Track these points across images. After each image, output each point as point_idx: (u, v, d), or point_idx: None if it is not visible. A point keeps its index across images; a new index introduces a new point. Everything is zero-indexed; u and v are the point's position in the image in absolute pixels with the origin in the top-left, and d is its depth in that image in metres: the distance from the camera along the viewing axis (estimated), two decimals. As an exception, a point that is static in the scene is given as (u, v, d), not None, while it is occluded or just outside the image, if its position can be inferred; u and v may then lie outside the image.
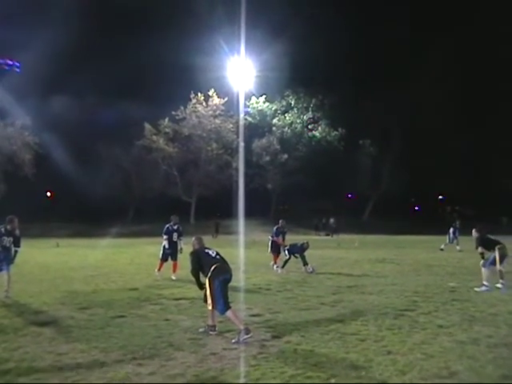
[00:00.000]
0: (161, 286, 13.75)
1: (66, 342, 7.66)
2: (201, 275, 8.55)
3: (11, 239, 11.78)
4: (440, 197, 76.48)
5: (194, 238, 9.02)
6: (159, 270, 15.63)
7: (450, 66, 58.06)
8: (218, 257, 8.56)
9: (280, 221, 18.68)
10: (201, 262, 8.53)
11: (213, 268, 8.22)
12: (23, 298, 11.53)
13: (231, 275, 8.45)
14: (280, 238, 17.96)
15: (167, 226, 16.05)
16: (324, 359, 6.70)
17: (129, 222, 57.54)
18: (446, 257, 23.22)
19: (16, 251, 11.86)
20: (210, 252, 8.69)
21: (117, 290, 13.06)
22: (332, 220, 52.01)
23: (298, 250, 17.47)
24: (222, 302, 8.05)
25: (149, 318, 9.43)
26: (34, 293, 12.35)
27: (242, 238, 32.11)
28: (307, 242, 17.93)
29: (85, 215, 53.67)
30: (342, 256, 23.98)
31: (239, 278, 13.94)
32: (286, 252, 17.59)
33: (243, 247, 28.03)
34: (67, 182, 52.22)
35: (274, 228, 18.46)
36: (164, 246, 15.72)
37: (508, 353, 7.10)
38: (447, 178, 60.51)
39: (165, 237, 15.81)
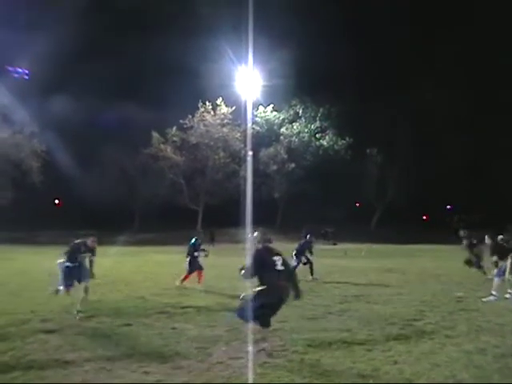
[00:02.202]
0: (167, 294, 13.74)
1: (73, 350, 7.67)
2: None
3: (90, 255, 11.61)
4: (448, 206, 76.20)
5: (257, 233, 8.33)
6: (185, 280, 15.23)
7: (456, 74, 58.09)
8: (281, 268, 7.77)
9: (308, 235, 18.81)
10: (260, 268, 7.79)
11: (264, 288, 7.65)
12: (31, 306, 11.54)
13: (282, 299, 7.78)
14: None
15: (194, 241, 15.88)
16: (331, 368, 6.69)
17: (135, 230, 57.61)
18: (453, 266, 23.10)
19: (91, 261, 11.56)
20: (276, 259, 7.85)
21: (123, 298, 13.07)
22: (329, 230, 52.08)
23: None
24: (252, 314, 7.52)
25: (155, 327, 9.43)
26: (41, 301, 12.37)
27: (248, 246, 31.96)
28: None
29: (91, 223, 53.69)
30: (348, 265, 23.93)
31: (245, 287, 13.92)
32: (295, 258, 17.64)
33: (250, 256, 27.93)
34: (73, 190, 52.40)
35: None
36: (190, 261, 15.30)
37: (515, 363, 7.08)
38: (454, 187, 60.45)
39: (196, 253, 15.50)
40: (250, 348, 7.64)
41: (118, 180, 57.30)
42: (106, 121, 54.72)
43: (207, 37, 54.63)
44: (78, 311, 10.42)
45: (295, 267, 17.30)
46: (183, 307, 11.56)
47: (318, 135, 64.35)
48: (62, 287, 11.27)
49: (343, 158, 62.15)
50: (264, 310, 7.53)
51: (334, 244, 50.81)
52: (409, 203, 62.06)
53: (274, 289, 7.56)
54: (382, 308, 11.53)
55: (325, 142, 63.62)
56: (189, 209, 58.43)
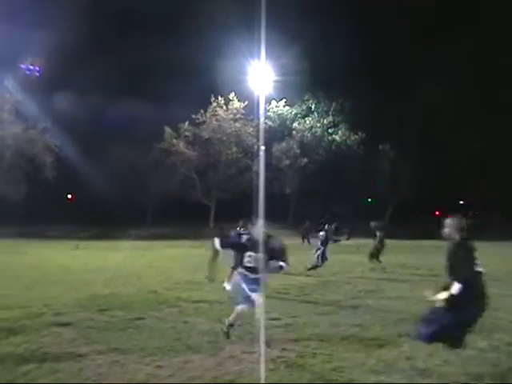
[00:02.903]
0: (179, 288, 13.79)
1: (86, 344, 7.72)
2: None
3: None
4: (461, 202, 75.78)
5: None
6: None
7: (465, 71, 57.83)
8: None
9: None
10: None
11: None
12: (44, 300, 11.62)
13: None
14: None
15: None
16: (343, 364, 6.68)
17: (147, 224, 57.80)
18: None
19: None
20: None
21: (136, 292, 13.13)
22: (331, 226, 51.84)
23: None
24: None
25: (167, 321, 9.47)
26: (54, 294, 12.45)
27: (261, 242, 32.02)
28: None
29: (104, 218, 53.95)
30: (360, 260, 23.86)
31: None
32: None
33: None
34: (86, 185, 52.65)
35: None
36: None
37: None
38: (466, 183, 60.31)
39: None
40: (262, 343, 7.65)
41: (129, 175, 57.38)
42: (119, 116, 54.80)
43: (220, 32, 54.22)
44: None
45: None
46: (195, 301, 11.60)
47: (330, 130, 64.14)
48: None
49: (356, 153, 61.93)
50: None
51: (347, 239, 50.70)
52: (421, 199, 61.85)
53: None
54: (395, 304, 11.51)
55: (337, 137, 63.37)
56: (201, 204, 58.48)
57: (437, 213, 74.86)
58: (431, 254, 28.81)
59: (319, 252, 18.44)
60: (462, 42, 57.35)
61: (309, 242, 40.78)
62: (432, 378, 6.13)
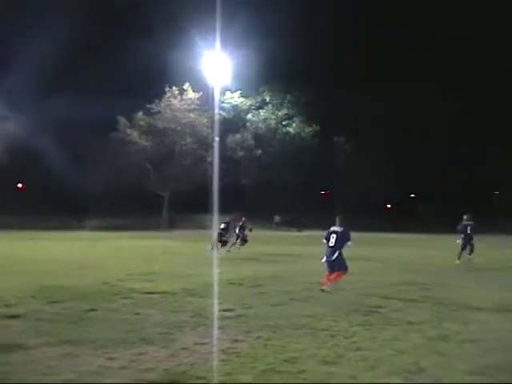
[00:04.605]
0: (133, 279, 13.64)
1: (37, 336, 7.56)
2: None
3: None
4: (412, 195, 77.36)
5: None
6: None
7: (428, 65, 59.11)
8: None
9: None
10: None
11: None
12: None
13: None
14: None
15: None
16: (295, 354, 6.72)
17: (101, 215, 56.94)
18: (417, 254, 23.50)
19: None
20: None
21: (89, 283, 12.92)
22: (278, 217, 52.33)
23: None
24: None
25: (120, 312, 9.37)
26: (3, 285, 12.17)
27: (215, 232, 32.02)
28: None
29: (60, 208, 53.01)
30: (314, 251, 24.09)
31: (211, 273, 13.97)
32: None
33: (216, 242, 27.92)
34: (42, 174, 51.64)
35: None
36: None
37: (475, 349, 7.23)
38: (420, 177, 61.66)
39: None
40: (215, 334, 7.68)
41: (82, 165, 56.38)
42: (75, 105, 53.79)
43: (176, 21, 53.98)
44: None
45: None
46: (148, 292, 11.50)
47: (284, 122, 64.41)
48: None
49: (311, 146, 62.41)
50: None
51: (299, 231, 51.16)
52: (375, 192, 62.88)
53: None
54: (348, 295, 11.67)
55: (291, 129, 63.72)
56: (155, 194, 58.02)
57: (388, 206, 76.35)
58: (385, 246, 29.44)
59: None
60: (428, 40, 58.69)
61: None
62: (380, 368, 6.23)
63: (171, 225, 52.46)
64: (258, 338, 7.66)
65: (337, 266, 12.28)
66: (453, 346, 7.36)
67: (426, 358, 6.71)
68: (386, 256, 22.90)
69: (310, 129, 63.02)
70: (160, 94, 56.63)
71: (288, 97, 64.10)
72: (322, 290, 11.93)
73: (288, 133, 63.71)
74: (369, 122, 61.79)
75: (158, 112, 56.88)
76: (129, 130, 56.22)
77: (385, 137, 61.93)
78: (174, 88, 56.57)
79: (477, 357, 6.83)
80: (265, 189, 59.52)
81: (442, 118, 61.77)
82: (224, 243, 23.29)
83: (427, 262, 19.99)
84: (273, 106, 64.51)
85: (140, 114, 56.57)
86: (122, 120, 55.99)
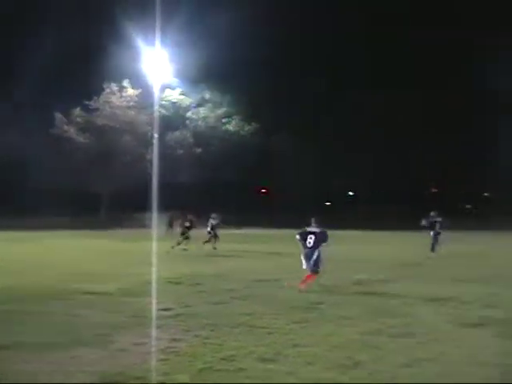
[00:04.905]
0: (70, 280, 13.36)
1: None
2: None
3: None
4: (350, 193, 78.72)
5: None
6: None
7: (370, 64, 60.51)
8: None
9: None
10: None
11: None
12: None
13: None
14: None
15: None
16: (233, 352, 6.75)
17: (41, 214, 55.35)
18: (355, 250, 23.91)
19: None
20: None
21: (24, 284, 12.59)
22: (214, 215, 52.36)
23: None
24: None
25: (56, 314, 9.17)
26: None
27: (154, 231, 31.77)
28: None
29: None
30: (253, 250, 24.21)
31: (150, 272, 13.83)
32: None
33: (156, 241, 27.68)
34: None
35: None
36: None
37: (409, 342, 7.45)
38: (358, 176, 63.01)
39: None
40: (153, 334, 7.62)
41: (18, 162, 54.66)
42: (8, 100, 52.21)
43: (115, 17, 52.96)
44: None
45: None
46: (85, 293, 11.31)
47: (224, 120, 64.32)
48: None
49: (250, 144, 62.54)
50: None
51: (238, 229, 51.19)
52: (312, 190, 63.72)
53: None
54: (286, 292, 11.77)
55: (231, 127, 63.72)
56: (94, 193, 56.91)
57: (327, 203, 77.40)
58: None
59: None
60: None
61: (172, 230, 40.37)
62: (317, 364, 6.31)
63: (110, 224, 51.54)
64: (197, 336, 7.66)
65: (311, 266, 12.30)
66: (387, 340, 7.55)
67: (361, 352, 6.86)
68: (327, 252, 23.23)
69: (250, 127, 63.17)
70: (98, 91, 55.57)
71: (228, 95, 64.01)
72: (300, 291, 11.81)
73: (227, 131, 63.63)
74: (309, 121, 62.55)
75: (97, 109, 55.79)
76: (66, 127, 54.85)
77: (324, 136, 62.86)
78: (113, 85, 55.62)
79: (410, 349, 7.03)
80: (204, 187, 59.23)
81: (380, 115, 63.17)
82: (186, 238, 23.84)
83: (365, 259, 20.36)
84: (212, 104, 64.30)
85: (78, 110, 55.33)
86: (58, 116, 54.57)
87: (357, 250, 24.54)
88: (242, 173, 58.73)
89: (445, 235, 22.69)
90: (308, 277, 12.30)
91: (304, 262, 12.41)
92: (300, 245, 12.65)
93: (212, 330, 8.01)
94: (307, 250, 12.35)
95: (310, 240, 12.29)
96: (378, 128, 62.51)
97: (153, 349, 6.92)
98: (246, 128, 63.40)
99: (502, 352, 6.87)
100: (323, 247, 12.46)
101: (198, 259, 19.91)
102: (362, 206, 68.16)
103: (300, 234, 12.64)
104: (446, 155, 63.44)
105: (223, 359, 6.47)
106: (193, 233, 24.42)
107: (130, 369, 6.09)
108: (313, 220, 12.84)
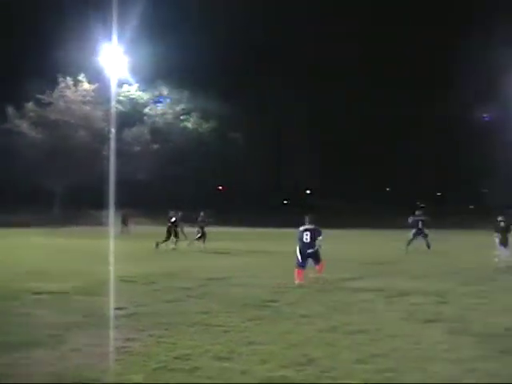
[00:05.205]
0: (22, 279, 13.06)
1: None
2: None
3: None
4: (307, 191, 79.45)
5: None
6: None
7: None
8: None
9: None
10: None
11: None
12: None
13: None
14: None
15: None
16: (188, 351, 6.71)
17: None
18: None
19: None
20: None
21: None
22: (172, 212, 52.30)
23: None
24: None
25: (6, 314, 8.96)
26: None
27: (111, 228, 31.39)
28: None
29: None
30: (210, 247, 24.12)
31: (104, 271, 13.64)
32: None
33: (112, 238, 27.33)
34: None
35: None
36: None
37: (363, 338, 7.53)
38: (315, 174, 63.76)
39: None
40: (107, 334, 7.51)
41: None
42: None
43: (71, 10, 52.03)
44: None
45: None
46: (38, 292, 11.05)
47: (182, 117, 63.96)
48: None
49: (208, 141, 62.42)
50: None
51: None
52: (270, 187, 64.08)
53: None
54: (241, 290, 11.76)
55: (189, 124, 63.40)
56: (48, 190, 55.75)
57: (284, 202, 77.89)
58: (281, 241, 29.80)
59: None
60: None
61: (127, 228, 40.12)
62: (272, 362, 6.32)
63: (65, 221, 50.60)
64: (151, 336, 7.59)
65: (314, 258, 13.26)
66: (342, 337, 7.62)
67: (316, 349, 6.90)
68: (282, 251, 23.31)
69: (208, 125, 63.01)
70: (53, 85, 54.42)
71: (186, 92, 63.64)
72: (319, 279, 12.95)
73: (186, 128, 63.31)
74: (262, 121, 62.91)
75: (51, 103, 54.66)
76: (18, 122, 53.56)
77: (284, 134, 63.45)
78: (68, 78, 54.55)
79: (364, 346, 7.11)
80: (162, 183, 58.76)
81: (334, 115, 64.33)
82: (176, 235, 24.12)
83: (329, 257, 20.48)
84: (171, 100, 63.86)
85: (30, 104, 54.09)
86: (10, 110, 53.26)
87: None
88: (200, 170, 58.57)
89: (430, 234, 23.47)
90: (319, 268, 13.39)
91: (299, 257, 13.13)
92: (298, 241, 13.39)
93: (167, 329, 7.94)
94: (304, 245, 13.16)
95: (307, 236, 13.12)
96: (334, 127, 63.41)
97: (106, 349, 6.82)
98: (205, 125, 63.21)
99: (452, 348, 7.00)
100: (319, 241, 13.26)
101: (152, 257, 19.76)
102: (322, 203, 68.84)
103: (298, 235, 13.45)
104: (395, 155, 65.27)
105: (178, 358, 6.43)
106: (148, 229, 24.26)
107: (82, 369, 5.98)
108: (307, 218, 13.60)
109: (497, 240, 18.17)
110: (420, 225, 22.94)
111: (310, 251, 13.06)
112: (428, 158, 67.90)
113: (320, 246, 13.24)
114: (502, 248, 18.03)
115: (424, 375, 5.89)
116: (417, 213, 23.55)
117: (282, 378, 5.78)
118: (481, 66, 56.05)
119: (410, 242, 22.74)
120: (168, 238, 24.08)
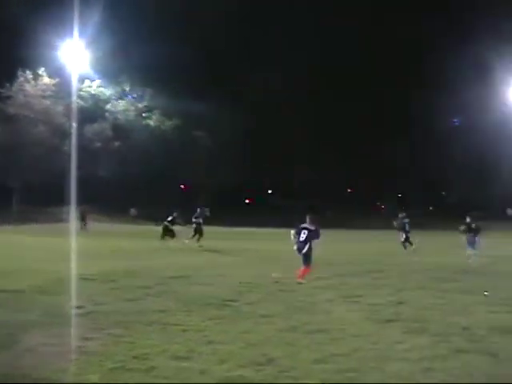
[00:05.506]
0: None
1: None
2: None
3: None
4: (269, 191, 79.80)
5: None
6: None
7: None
8: None
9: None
10: None
11: None
12: None
13: None
14: None
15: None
16: (146, 351, 6.64)
17: None
18: (274, 248, 24.09)
19: None
20: None
21: None
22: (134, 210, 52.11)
23: None
24: None
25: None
26: None
27: (71, 225, 30.97)
28: None
29: None
30: (171, 246, 24.02)
31: (63, 269, 13.43)
32: None
33: (72, 235, 26.94)
34: None
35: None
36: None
37: (322, 338, 7.56)
38: (277, 173, 64.18)
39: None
40: (64, 333, 7.38)
41: None
42: None
43: (33, 5, 51.15)
44: None
45: None
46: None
47: (144, 114, 63.44)
48: None
49: (171, 139, 62.06)
50: None
51: (157, 225, 50.56)
52: (236, 187, 64.15)
53: None
54: (202, 289, 11.72)
55: (152, 122, 62.93)
56: (4, 186, 54.53)
57: (247, 201, 78.08)
58: (244, 241, 29.92)
59: None
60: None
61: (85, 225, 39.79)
62: (231, 361, 6.30)
63: (24, 218, 49.63)
64: (109, 335, 7.49)
65: (303, 260, 13.36)
66: (301, 337, 7.64)
67: (275, 349, 6.90)
68: (242, 249, 23.31)
69: (171, 122, 62.62)
70: (12, 78, 53.32)
71: (149, 89, 63.12)
72: (299, 283, 12.62)
73: (148, 125, 62.80)
74: (227, 120, 62.84)
75: (9, 97, 53.54)
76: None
77: (249, 135, 63.62)
78: (27, 72, 53.51)
79: (323, 346, 7.13)
80: (123, 181, 58.13)
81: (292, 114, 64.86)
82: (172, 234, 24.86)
83: (284, 257, 20.56)
84: (133, 97, 63.27)
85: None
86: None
87: (273, 247, 24.69)
88: (162, 168, 58.18)
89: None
90: (303, 271, 13.25)
91: (297, 253, 13.56)
92: (293, 239, 13.74)
93: (125, 328, 7.85)
94: (300, 243, 13.45)
95: (303, 235, 13.40)
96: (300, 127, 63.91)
97: (63, 348, 6.70)
98: (168, 123, 62.82)
99: (411, 348, 7.08)
100: (315, 243, 13.57)
101: (112, 255, 19.56)
102: (283, 203, 69.13)
103: (296, 231, 13.71)
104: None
105: (135, 358, 6.36)
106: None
107: (36, 370, 5.86)
108: (308, 218, 13.79)
109: (466, 240, 18.75)
110: (407, 227, 23.53)
111: (303, 251, 13.30)
112: (388, 159, 68.77)
113: (310, 248, 13.36)
114: (471, 248, 18.53)
115: (383, 375, 5.93)
116: (400, 215, 24.03)
117: (241, 377, 5.76)
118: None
119: (407, 241, 23.35)
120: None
